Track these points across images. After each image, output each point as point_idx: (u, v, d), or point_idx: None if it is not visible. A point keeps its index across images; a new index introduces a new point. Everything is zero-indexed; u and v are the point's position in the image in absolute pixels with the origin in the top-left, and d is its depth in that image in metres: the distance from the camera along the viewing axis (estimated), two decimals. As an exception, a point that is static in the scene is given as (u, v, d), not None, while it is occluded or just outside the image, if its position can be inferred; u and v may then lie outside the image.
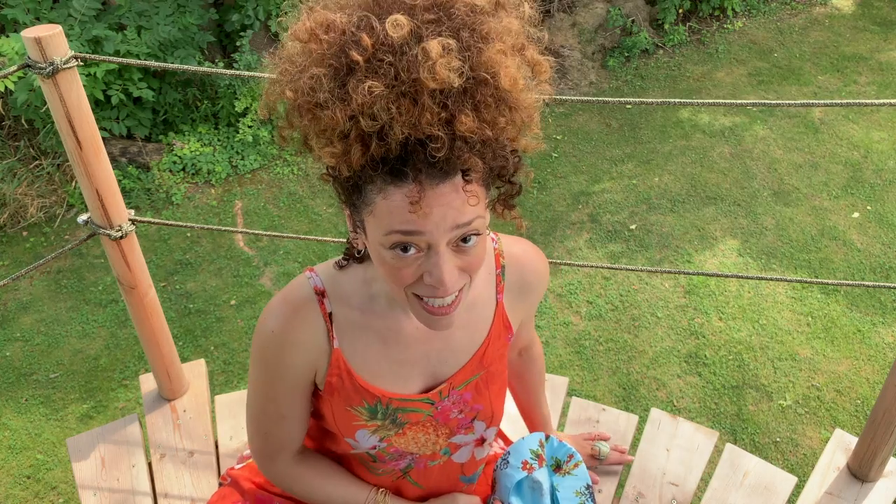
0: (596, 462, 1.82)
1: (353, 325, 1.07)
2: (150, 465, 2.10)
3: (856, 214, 4.13)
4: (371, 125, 0.78)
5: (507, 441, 1.50)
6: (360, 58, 0.77)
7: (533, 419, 1.61)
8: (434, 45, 0.76)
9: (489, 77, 0.80)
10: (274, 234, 2.11)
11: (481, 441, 1.23)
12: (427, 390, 1.13)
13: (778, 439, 2.95)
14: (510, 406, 2.14)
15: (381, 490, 1.21)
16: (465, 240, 0.88)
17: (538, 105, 0.88)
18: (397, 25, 0.77)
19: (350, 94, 0.78)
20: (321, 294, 1.06)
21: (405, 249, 0.87)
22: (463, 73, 0.78)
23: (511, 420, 2.12)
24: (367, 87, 0.77)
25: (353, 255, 1.08)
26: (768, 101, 1.58)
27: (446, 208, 0.84)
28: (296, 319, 1.05)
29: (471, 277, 0.93)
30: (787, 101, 1.58)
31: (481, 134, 0.81)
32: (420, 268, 0.89)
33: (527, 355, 1.46)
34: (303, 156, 4.65)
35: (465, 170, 0.83)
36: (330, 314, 1.06)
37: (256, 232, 2.19)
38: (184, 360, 2.32)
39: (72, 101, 1.65)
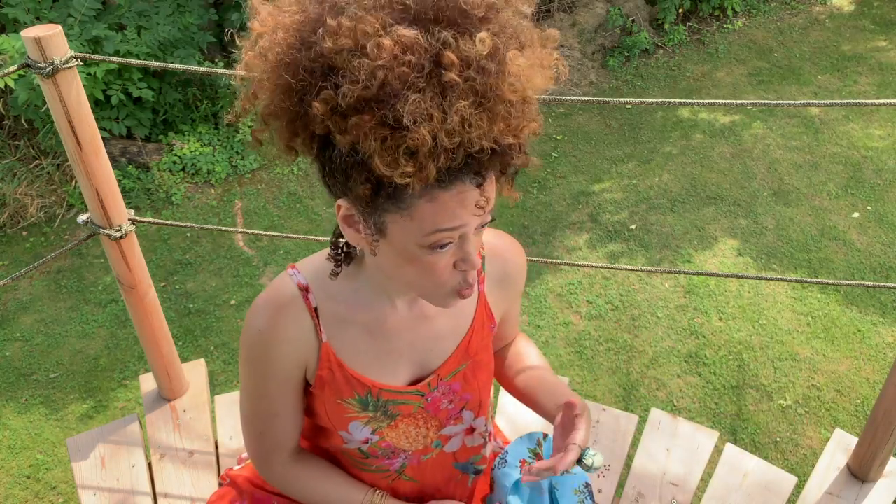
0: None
1: (340, 319, 1.09)
2: (149, 465, 2.10)
3: (856, 214, 4.13)
4: (453, 142, 0.79)
5: (506, 441, 1.50)
6: (456, 77, 0.78)
7: (544, 401, 1.25)
8: (513, 60, 0.81)
9: (540, 84, 0.86)
10: (274, 234, 2.11)
11: (471, 430, 1.24)
12: (415, 381, 1.15)
13: (778, 439, 2.95)
14: (508, 405, 2.15)
15: (377, 492, 1.22)
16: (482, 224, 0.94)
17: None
18: (483, 43, 0.79)
19: (433, 113, 0.78)
20: (305, 290, 1.08)
21: (443, 246, 0.91)
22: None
23: (510, 420, 2.13)
24: (457, 107, 0.78)
25: (344, 259, 1.07)
26: (768, 101, 1.59)
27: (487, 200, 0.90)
28: (282, 317, 1.06)
29: None
30: (787, 101, 1.58)
31: (533, 131, 0.87)
32: (453, 257, 0.94)
33: (515, 346, 1.38)
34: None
35: (504, 168, 0.88)
36: (315, 309, 1.07)
37: (256, 232, 2.19)
38: (184, 360, 2.32)
39: (72, 101, 1.65)
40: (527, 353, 1.35)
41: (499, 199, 0.99)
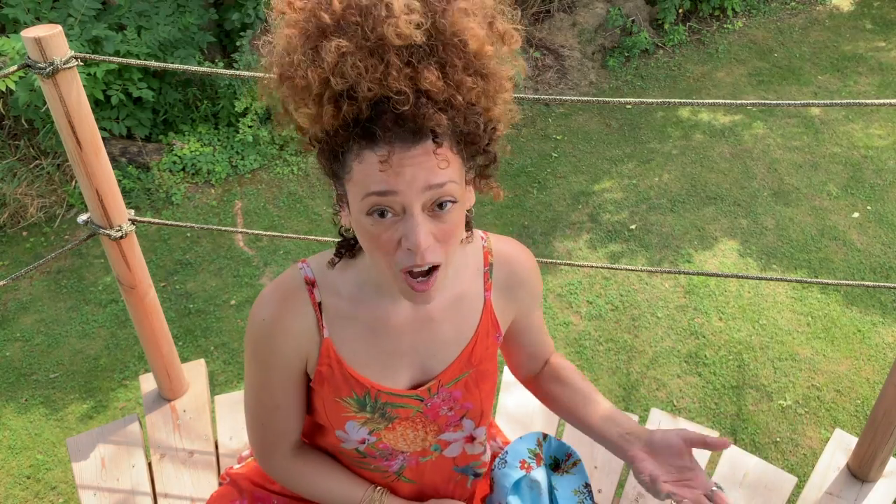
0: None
1: (343, 316, 1.08)
2: (149, 465, 2.10)
3: (856, 214, 4.13)
4: (341, 83, 0.83)
5: (505, 441, 1.50)
6: (329, 19, 0.83)
7: (604, 427, 1.19)
8: (397, 3, 0.81)
9: (455, 38, 0.85)
10: (274, 234, 2.11)
11: (471, 439, 1.24)
12: (416, 386, 1.14)
13: (778, 439, 2.95)
14: (509, 405, 2.15)
15: (378, 489, 1.22)
16: (440, 206, 0.90)
17: (512, 76, 0.92)
18: None
19: (321, 56, 0.83)
20: (311, 284, 1.08)
21: (382, 214, 0.90)
22: (427, 31, 0.83)
23: (510, 420, 2.13)
24: (334, 46, 0.82)
25: (346, 249, 1.08)
26: (768, 101, 1.59)
27: (417, 168, 0.87)
28: (285, 308, 1.07)
29: (446, 253, 0.94)
30: (787, 101, 1.58)
31: (448, 94, 0.85)
32: (397, 232, 0.91)
33: (559, 366, 1.32)
34: (302, 155, 4.66)
35: (435, 133, 0.86)
36: (319, 304, 1.08)
37: (256, 232, 2.19)
38: (184, 360, 2.32)
39: (72, 101, 1.65)
40: (574, 373, 1.29)
41: (502, 202, 0.98)
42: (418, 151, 0.86)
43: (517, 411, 2.14)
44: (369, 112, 0.84)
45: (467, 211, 1.05)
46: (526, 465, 1.30)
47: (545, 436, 1.36)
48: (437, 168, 0.88)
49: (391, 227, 0.90)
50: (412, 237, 0.89)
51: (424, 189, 0.88)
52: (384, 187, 0.87)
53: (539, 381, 1.33)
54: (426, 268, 0.92)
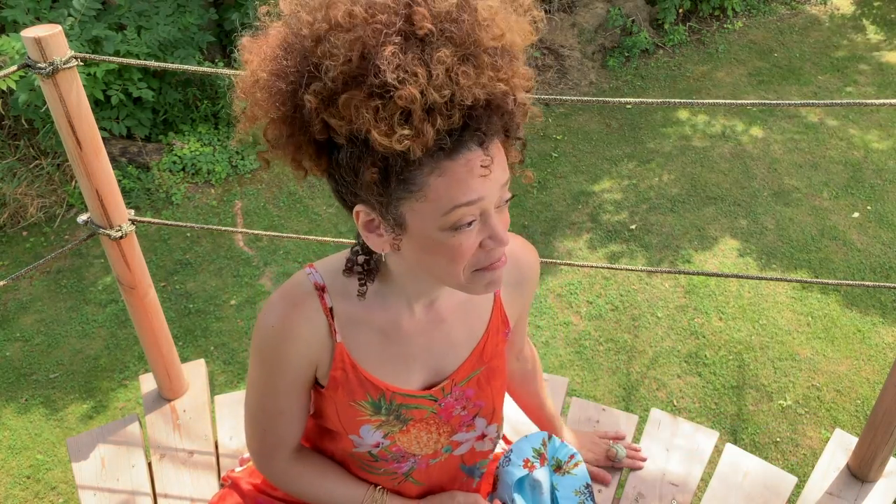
0: (610, 463, 1.83)
1: (354, 320, 1.08)
2: (149, 465, 2.09)
3: (856, 214, 4.12)
4: (443, 96, 0.78)
5: (508, 442, 1.50)
6: (430, 26, 0.77)
7: (540, 419, 1.60)
8: (483, 6, 0.80)
9: (519, 32, 0.84)
10: (274, 234, 2.11)
11: (482, 437, 1.24)
12: (429, 387, 1.14)
13: (778, 439, 2.95)
14: (509, 408, 2.14)
15: (379, 489, 1.21)
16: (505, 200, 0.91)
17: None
18: None
19: (417, 69, 0.77)
20: (321, 289, 1.07)
21: (469, 224, 0.87)
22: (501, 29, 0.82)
23: (510, 421, 2.12)
24: (438, 57, 0.77)
25: (368, 276, 1.04)
26: (768, 101, 1.59)
27: (497, 167, 0.86)
28: (296, 315, 1.05)
29: None
30: (787, 101, 1.58)
31: (525, 87, 0.85)
32: (477, 236, 0.90)
33: (522, 357, 1.45)
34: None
35: (507, 128, 0.85)
36: (331, 309, 1.07)
37: (256, 232, 2.19)
38: (184, 360, 2.31)
39: (72, 101, 1.65)
40: (532, 373, 1.46)
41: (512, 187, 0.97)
42: (495, 149, 0.85)
43: (518, 412, 2.14)
44: (461, 121, 0.80)
45: None
46: (529, 465, 1.31)
47: (550, 436, 1.37)
48: (505, 163, 0.87)
49: (472, 233, 0.89)
50: (499, 236, 0.90)
51: (502, 186, 0.88)
52: (476, 195, 0.84)
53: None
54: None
